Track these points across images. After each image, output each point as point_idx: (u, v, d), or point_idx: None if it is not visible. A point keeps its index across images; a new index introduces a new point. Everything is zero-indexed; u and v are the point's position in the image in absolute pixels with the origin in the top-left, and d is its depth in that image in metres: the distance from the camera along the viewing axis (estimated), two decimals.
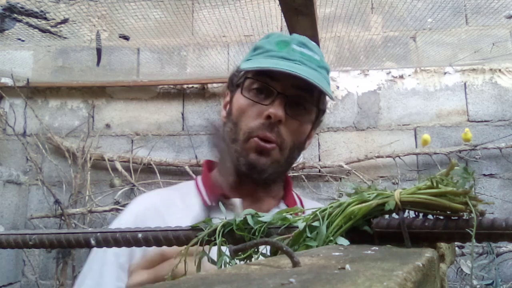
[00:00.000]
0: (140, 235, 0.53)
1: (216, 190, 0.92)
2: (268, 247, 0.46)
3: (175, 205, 0.92)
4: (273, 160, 0.88)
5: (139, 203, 0.97)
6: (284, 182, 1.02)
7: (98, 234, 0.53)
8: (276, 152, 0.88)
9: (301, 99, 0.89)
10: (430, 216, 0.45)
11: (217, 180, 0.96)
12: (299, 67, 0.86)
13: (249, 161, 0.87)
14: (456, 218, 0.43)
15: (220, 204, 0.79)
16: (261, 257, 0.48)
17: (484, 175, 2.90)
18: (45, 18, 2.67)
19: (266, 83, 0.88)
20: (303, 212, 0.57)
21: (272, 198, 0.97)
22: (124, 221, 0.91)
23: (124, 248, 0.86)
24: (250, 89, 0.90)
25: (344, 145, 3.04)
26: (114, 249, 0.87)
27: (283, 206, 0.96)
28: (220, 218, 0.53)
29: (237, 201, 0.85)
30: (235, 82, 0.94)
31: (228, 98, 0.96)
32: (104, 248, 0.87)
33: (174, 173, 3.08)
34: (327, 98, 0.94)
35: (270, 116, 0.85)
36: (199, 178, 1.00)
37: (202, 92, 3.20)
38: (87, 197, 3.01)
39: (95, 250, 0.92)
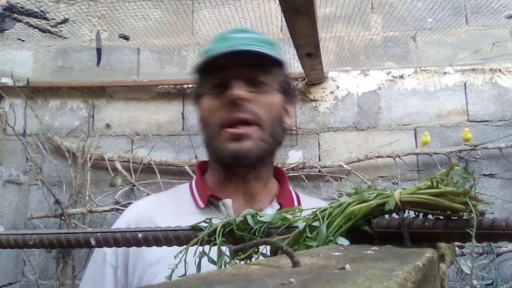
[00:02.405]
0: (140, 235, 0.53)
1: (207, 192, 0.92)
2: (268, 247, 0.46)
3: (167, 210, 0.92)
4: (255, 140, 0.87)
5: (131, 211, 0.96)
6: (278, 177, 1.01)
7: (98, 234, 0.53)
8: (255, 132, 0.87)
9: (256, 74, 0.90)
10: (430, 216, 0.45)
11: (208, 182, 0.97)
12: (240, 47, 0.88)
13: (230, 151, 0.86)
14: (456, 218, 0.43)
15: (221, 204, 0.79)
16: (261, 257, 0.48)
17: (484, 175, 2.90)
18: (45, 18, 2.67)
19: (217, 75, 0.89)
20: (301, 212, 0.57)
21: (266, 195, 0.95)
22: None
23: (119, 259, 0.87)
24: (209, 89, 0.91)
25: (344, 145, 3.04)
26: (105, 249, 0.87)
27: (276, 205, 0.94)
28: (206, 221, 0.53)
29: (227, 201, 0.89)
30: (197, 92, 0.96)
31: (199, 111, 0.98)
32: (100, 258, 0.89)
33: (174, 173, 3.08)
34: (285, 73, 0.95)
35: (234, 99, 0.86)
36: (193, 181, 1.00)
37: None
38: (87, 197, 3.01)
39: (91, 260, 0.94)
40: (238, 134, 0.86)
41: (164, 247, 0.82)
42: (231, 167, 0.91)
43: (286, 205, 0.93)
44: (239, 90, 0.86)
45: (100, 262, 0.90)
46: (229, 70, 0.88)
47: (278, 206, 0.93)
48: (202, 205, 0.91)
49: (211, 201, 0.92)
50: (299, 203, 0.98)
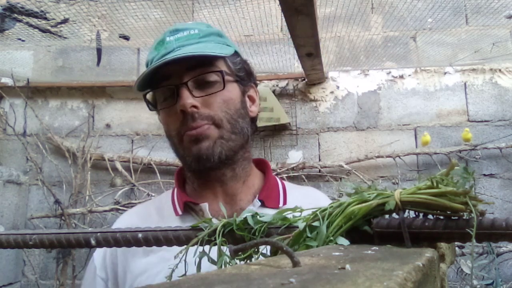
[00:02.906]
0: (140, 235, 0.53)
1: (182, 199, 0.92)
2: (268, 247, 0.46)
3: (151, 219, 0.92)
4: (213, 139, 0.85)
5: (121, 222, 0.98)
6: (263, 169, 0.99)
7: (98, 234, 0.53)
8: (212, 130, 0.85)
9: (201, 75, 0.86)
10: (430, 216, 0.45)
11: (187, 189, 0.97)
12: (178, 52, 0.84)
13: (193, 154, 0.85)
14: (456, 218, 0.43)
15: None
16: (261, 257, 0.48)
17: (484, 175, 2.90)
18: (45, 18, 2.67)
19: (163, 86, 0.87)
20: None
21: (246, 193, 0.92)
22: None
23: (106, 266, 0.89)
24: (162, 101, 0.90)
25: (344, 145, 3.04)
26: (95, 262, 0.91)
27: (257, 202, 0.91)
28: (206, 221, 0.53)
29: (203, 206, 0.88)
30: (153, 107, 0.94)
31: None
32: (91, 271, 0.91)
33: (174, 173, 3.07)
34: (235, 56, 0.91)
35: (183, 110, 0.84)
36: (175, 189, 0.99)
37: None
38: (87, 197, 3.01)
39: (85, 272, 0.96)
40: (195, 135, 0.84)
41: (150, 258, 0.84)
42: (201, 172, 0.89)
43: (269, 201, 0.91)
44: (186, 99, 0.83)
45: (91, 275, 0.92)
46: (174, 79, 0.86)
47: (259, 203, 0.91)
48: (180, 212, 0.90)
49: (190, 207, 0.91)
50: (285, 196, 0.95)
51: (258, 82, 3.43)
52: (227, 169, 0.89)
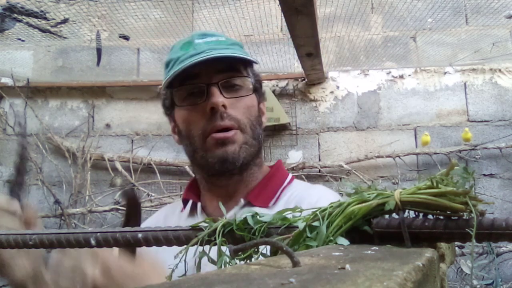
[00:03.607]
0: (140, 235, 0.53)
1: (184, 196, 0.98)
2: (268, 247, 0.46)
3: (168, 218, 0.99)
4: (240, 143, 0.87)
5: (150, 220, 1.06)
6: (273, 169, 0.99)
7: (98, 234, 0.53)
8: (238, 135, 0.87)
9: (231, 78, 0.89)
10: (430, 216, 0.45)
11: (195, 187, 1.00)
12: (210, 53, 0.87)
13: (218, 156, 0.87)
14: (456, 218, 0.43)
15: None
16: (261, 257, 0.48)
17: (484, 175, 2.90)
18: (45, 18, 2.67)
19: (192, 84, 0.89)
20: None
21: (244, 193, 0.93)
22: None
23: None
24: (183, 99, 0.91)
25: (344, 145, 3.04)
26: None
27: (241, 202, 0.92)
28: (206, 221, 0.53)
29: (198, 204, 0.94)
30: (168, 104, 0.96)
31: (172, 123, 0.98)
32: None
33: (174, 173, 3.08)
34: (254, 67, 0.96)
35: (213, 108, 0.85)
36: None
37: None
38: (87, 197, 3.01)
39: None
40: (223, 138, 0.86)
41: None
42: (218, 175, 0.91)
43: (258, 200, 0.91)
44: (218, 97, 0.85)
45: None
46: (202, 78, 0.88)
47: (242, 203, 0.92)
48: (182, 209, 0.98)
49: (193, 205, 0.97)
50: (280, 195, 0.93)
51: None
52: (238, 175, 0.91)
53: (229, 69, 0.89)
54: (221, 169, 0.88)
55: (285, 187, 0.96)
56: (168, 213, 1.03)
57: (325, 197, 0.98)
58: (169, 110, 0.96)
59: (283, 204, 0.90)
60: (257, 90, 0.96)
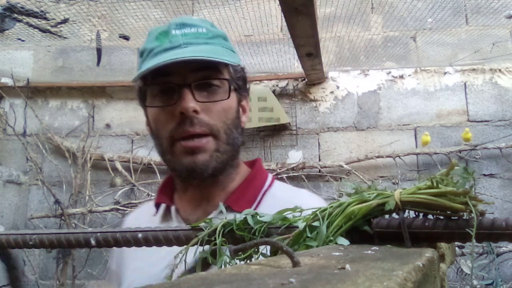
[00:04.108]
0: (140, 235, 0.53)
1: (157, 199, 0.93)
2: (268, 247, 0.46)
3: (141, 219, 0.91)
4: (211, 152, 0.82)
5: (127, 221, 1.01)
6: (252, 176, 0.93)
7: (98, 234, 0.53)
8: (210, 143, 0.81)
9: (207, 79, 0.82)
10: (430, 216, 0.45)
11: (167, 189, 0.97)
12: (186, 50, 0.80)
13: (185, 166, 0.82)
14: (456, 218, 0.43)
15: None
16: (261, 257, 0.48)
17: (484, 175, 2.90)
18: (45, 18, 2.67)
19: (164, 82, 0.82)
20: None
21: (223, 196, 0.89)
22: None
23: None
24: (154, 96, 0.84)
25: (344, 145, 3.04)
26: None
27: (221, 206, 0.84)
28: (206, 221, 0.53)
29: (172, 208, 0.90)
30: (141, 98, 0.89)
31: (146, 118, 0.92)
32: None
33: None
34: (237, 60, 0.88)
35: (183, 112, 0.79)
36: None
37: None
38: (87, 197, 3.01)
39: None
40: (192, 148, 0.80)
41: (139, 263, 0.85)
42: (187, 180, 0.88)
43: (237, 204, 0.86)
44: (189, 102, 0.78)
45: (110, 268, 0.98)
46: (175, 77, 0.81)
47: (222, 208, 0.85)
48: (154, 213, 0.92)
49: (166, 208, 0.92)
50: (260, 200, 0.89)
51: (258, 82, 3.42)
52: (211, 177, 0.85)
53: (206, 67, 0.81)
54: (189, 179, 0.85)
55: (266, 190, 0.92)
56: (138, 217, 0.97)
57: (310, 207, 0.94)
58: (142, 103, 0.90)
59: (264, 210, 0.85)
60: (239, 87, 0.89)
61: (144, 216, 0.94)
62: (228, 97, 0.84)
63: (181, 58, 0.76)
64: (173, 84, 0.81)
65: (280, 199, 0.89)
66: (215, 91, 0.83)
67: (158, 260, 0.78)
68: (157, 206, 0.93)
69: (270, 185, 0.93)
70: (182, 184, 0.91)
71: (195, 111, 0.79)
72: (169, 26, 0.83)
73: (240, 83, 0.89)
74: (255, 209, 0.84)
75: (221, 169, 0.85)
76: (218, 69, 0.83)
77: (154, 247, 0.74)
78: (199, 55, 0.78)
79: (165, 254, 0.73)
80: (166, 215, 0.90)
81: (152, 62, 0.78)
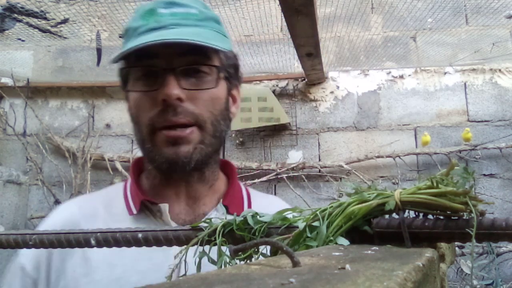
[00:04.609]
0: (140, 235, 0.53)
1: (140, 196, 0.81)
2: (268, 247, 0.46)
3: (96, 216, 0.80)
4: (195, 143, 0.75)
5: (56, 216, 0.85)
6: (227, 172, 0.89)
7: (98, 234, 0.53)
8: (195, 134, 0.75)
9: (194, 64, 0.75)
10: (430, 216, 0.45)
11: (144, 184, 0.85)
12: (173, 31, 0.73)
13: (166, 157, 0.74)
14: (456, 218, 0.43)
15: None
16: (261, 257, 0.48)
17: (484, 175, 2.90)
18: (45, 18, 2.67)
19: (148, 65, 0.75)
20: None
21: (211, 197, 0.84)
22: None
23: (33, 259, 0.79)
24: (137, 79, 0.77)
25: (344, 145, 3.04)
26: (23, 260, 0.80)
27: (220, 207, 0.79)
28: (206, 221, 0.53)
29: (163, 206, 0.78)
30: (123, 80, 0.82)
31: (127, 102, 0.83)
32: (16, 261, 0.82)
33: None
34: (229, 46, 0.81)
35: (165, 100, 0.72)
36: (128, 181, 0.87)
37: None
38: None
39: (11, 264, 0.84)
40: (175, 137, 0.74)
41: (92, 262, 0.75)
42: (168, 174, 0.79)
43: (233, 206, 0.82)
44: (173, 89, 0.72)
45: (17, 275, 0.80)
46: (160, 60, 0.74)
47: (223, 209, 0.79)
48: (135, 211, 0.80)
49: (146, 206, 0.80)
50: (249, 203, 0.87)
51: (258, 82, 3.41)
52: (196, 172, 0.79)
53: (195, 52, 0.74)
54: (169, 171, 0.77)
55: (248, 194, 0.89)
56: (89, 214, 0.81)
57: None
58: (124, 86, 0.82)
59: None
60: (230, 75, 0.81)
61: (103, 213, 0.81)
62: (217, 85, 0.77)
63: (166, 40, 0.70)
64: (156, 68, 0.74)
65: (267, 204, 0.89)
66: (202, 78, 0.76)
67: (149, 269, 0.73)
68: (137, 203, 0.80)
69: (247, 190, 0.90)
70: (163, 177, 0.81)
71: (179, 99, 0.72)
72: (157, 4, 0.76)
73: (231, 71, 0.82)
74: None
75: (205, 162, 0.79)
76: (207, 55, 0.76)
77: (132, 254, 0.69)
78: (187, 37, 0.71)
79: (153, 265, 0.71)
80: (148, 215, 0.80)
81: (135, 42, 0.71)
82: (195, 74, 0.75)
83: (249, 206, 0.86)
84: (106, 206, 0.83)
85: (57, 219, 0.83)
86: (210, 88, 0.76)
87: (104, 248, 0.71)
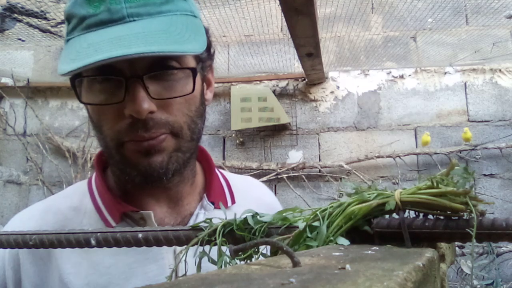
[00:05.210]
0: (140, 235, 0.53)
1: (117, 207, 0.71)
2: (268, 247, 0.46)
3: (72, 225, 0.70)
4: (170, 151, 0.66)
5: (24, 223, 0.72)
6: (201, 160, 0.81)
7: (98, 234, 0.53)
8: (168, 142, 0.65)
9: (163, 66, 0.63)
10: (430, 216, 0.45)
11: (113, 186, 0.75)
12: (133, 28, 0.59)
13: (140, 169, 0.65)
14: (456, 218, 0.43)
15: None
16: (261, 257, 0.48)
17: (484, 175, 2.90)
18: (45, 18, 2.67)
19: (106, 72, 0.61)
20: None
21: (193, 195, 0.77)
22: None
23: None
24: (92, 85, 0.64)
25: (344, 145, 3.04)
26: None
27: (208, 205, 0.76)
28: (206, 221, 0.53)
29: (146, 214, 0.70)
30: (73, 86, 0.67)
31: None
32: None
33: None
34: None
35: (134, 116, 0.61)
36: (93, 182, 0.76)
37: None
38: None
39: None
40: (146, 148, 0.64)
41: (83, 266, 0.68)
42: (143, 185, 0.69)
43: (217, 200, 0.77)
44: (144, 103, 0.60)
45: None
46: (121, 63, 0.60)
47: (211, 206, 0.76)
48: (114, 224, 0.70)
49: (126, 215, 0.71)
50: (230, 191, 0.81)
51: (258, 82, 3.40)
52: (174, 176, 0.69)
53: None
54: (145, 183, 0.67)
55: (227, 182, 0.83)
56: (68, 224, 0.71)
57: (268, 195, 0.93)
58: (77, 95, 0.68)
59: (243, 201, 0.80)
60: (203, 61, 0.70)
61: (77, 225, 0.70)
62: (193, 90, 0.65)
63: (129, 55, 0.55)
64: (119, 77, 0.61)
65: (247, 187, 0.86)
66: (174, 79, 0.64)
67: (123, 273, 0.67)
68: (115, 215, 0.71)
69: (224, 177, 0.84)
70: (137, 186, 0.71)
71: (150, 112, 0.62)
72: None
73: (204, 56, 0.70)
74: (231, 205, 0.79)
75: (184, 167, 0.71)
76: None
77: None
78: (154, 45, 0.57)
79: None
80: (134, 224, 0.70)
81: (88, 48, 0.58)
82: (165, 75, 0.63)
83: (231, 194, 0.81)
84: (76, 215, 0.72)
85: (28, 225, 0.70)
86: (182, 85, 0.64)
87: (87, 270, 0.67)
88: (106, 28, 0.60)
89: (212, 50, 0.74)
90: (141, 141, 0.63)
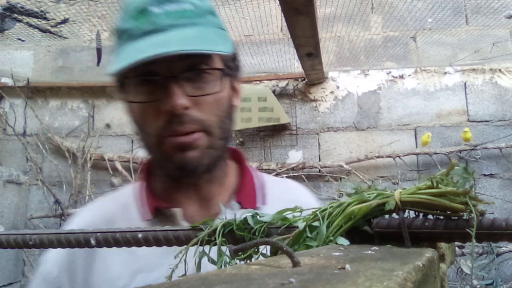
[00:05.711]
0: (140, 235, 0.53)
1: (152, 203, 0.80)
2: (268, 247, 0.46)
3: (116, 223, 0.79)
4: (203, 148, 0.73)
5: (80, 219, 0.85)
6: (237, 159, 0.88)
7: (98, 234, 0.53)
8: (202, 139, 0.73)
9: (196, 67, 0.72)
10: (430, 216, 0.45)
11: (156, 187, 0.84)
12: (171, 36, 0.69)
13: (176, 163, 0.73)
14: (456, 218, 0.43)
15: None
16: (261, 257, 0.48)
17: (484, 175, 2.90)
18: (45, 18, 2.67)
19: (148, 74, 0.71)
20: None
21: (223, 195, 0.83)
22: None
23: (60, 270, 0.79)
24: (136, 86, 0.74)
25: (344, 145, 3.04)
26: (46, 269, 0.81)
27: (234, 205, 0.81)
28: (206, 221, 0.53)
29: (176, 211, 0.78)
30: (119, 85, 0.78)
31: (125, 105, 0.81)
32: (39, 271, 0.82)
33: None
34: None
35: (172, 111, 0.70)
36: (140, 183, 0.87)
37: None
38: (87, 197, 3.01)
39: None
40: (182, 144, 0.72)
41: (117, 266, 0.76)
42: (179, 179, 0.79)
43: (246, 201, 0.82)
44: (179, 99, 0.69)
45: (44, 280, 0.81)
46: (159, 66, 0.70)
47: (237, 206, 0.82)
48: (148, 217, 0.79)
49: (160, 211, 0.80)
50: (263, 193, 0.85)
51: (258, 82, 3.40)
52: (204, 174, 0.77)
53: (195, 55, 0.70)
54: (180, 176, 0.77)
55: (262, 184, 0.87)
56: (110, 219, 0.81)
57: (305, 196, 0.95)
58: (123, 95, 0.78)
59: (275, 204, 0.80)
60: (230, 69, 0.78)
61: (120, 218, 0.80)
62: (222, 88, 0.74)
63: (169, 53, 0.65)
64: (158, 77, 0.70)
65: (283, 191, 0.89)
66: (206, 81, 0.73)
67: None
68: (150, 209, 0.80)
69: (261, 179, 0.88)
70: (172, 182, 0.81)
71: (185, 108, 0.70)
72: (147, 2, 0.71)
73: (231, 64, 0.79)
74: (262, 206, 0.82)
75: (215, 165, 0.78)
76: (209, 56, 0.73)
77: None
78: (189, 47, 0.68)
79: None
80: (163, 220, 0.78)
81: (133, 51, 0.68)
82: (197, 77, 0.72)
83: (263, 196, 0.85)
84: (122, 212, 0.83)
85: (81, 223, 0.83)
86: (214, 87, 0.73)
87: (126, 256, 0.74)
88: (148, 37, 0.69)
89: (238, 63, 0.83)
90: (177, 135, 0.71)
